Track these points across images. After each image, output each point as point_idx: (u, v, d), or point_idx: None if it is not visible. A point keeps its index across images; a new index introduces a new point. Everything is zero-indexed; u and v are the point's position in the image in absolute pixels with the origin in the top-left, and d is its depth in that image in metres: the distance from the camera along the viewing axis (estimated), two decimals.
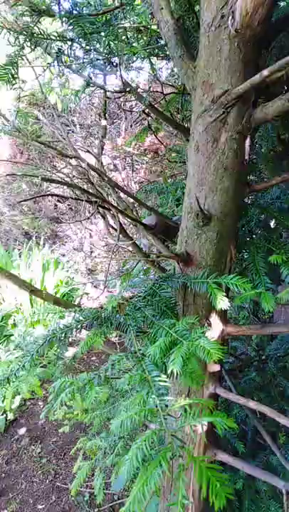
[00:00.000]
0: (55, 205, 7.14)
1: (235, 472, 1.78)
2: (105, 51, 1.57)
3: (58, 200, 7.12)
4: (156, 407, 0.72)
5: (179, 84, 2.64)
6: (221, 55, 1.00)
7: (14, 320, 4.48)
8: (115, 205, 1.59)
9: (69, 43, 1.25)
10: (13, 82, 1.09)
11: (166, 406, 0.72)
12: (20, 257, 4.96)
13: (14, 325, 4.37)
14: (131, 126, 5.63)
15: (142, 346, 0.97)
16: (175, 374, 0.86)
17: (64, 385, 0.88)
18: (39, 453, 3.24)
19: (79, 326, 1.11)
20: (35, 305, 4.71)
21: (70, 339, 1.18)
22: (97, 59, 1.56)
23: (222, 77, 1.02)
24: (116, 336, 4.61)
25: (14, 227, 7.54)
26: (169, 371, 0.78)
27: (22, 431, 3.48)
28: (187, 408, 0.69)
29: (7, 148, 7.40)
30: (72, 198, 1.63)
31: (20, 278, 1.28)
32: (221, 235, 1.19)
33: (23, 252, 5.07)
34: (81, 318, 1.10)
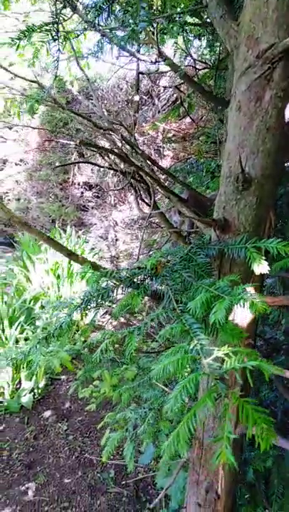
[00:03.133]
0: (82, 193, 7.20)
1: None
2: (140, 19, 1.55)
3: (85, 188, 7.17)
4: (199, 354, 0.71)
5: (212, 61, 2.59)
6: (268, 6, 0.96)
7: (41, 303, 4.57)
8: (148, 178, 1.58)
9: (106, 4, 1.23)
10: (56, 37, 1.09)
11: (210, 354, 0.71)
12: None
13: (42, 307, 4.45)
14: (159, 112, 5.58)
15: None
16: (215, 329, 0.85)
17: (104, 337, 0.89)
18: (65, 430, 3.32)
19: (115, 288, 1.11)
20: (62, 288, 4.78)
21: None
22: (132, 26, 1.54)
23: (268, 30, 0.98)
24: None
25: (41, 214, 7.67)
26: (211, 322, 0.77)
27: (49, 409, 3.56)
28: (231, 354, 0.68)
29: (35, 136, 7.49)
30: (108, 168, 1.62)
31: (58, 242, 1.29)
32: (261, 200, 1.16)
33: (51, 235, 5.15)
34: (117, 279, 1.10)
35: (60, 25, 1.14)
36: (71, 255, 1.23)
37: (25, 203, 7.90)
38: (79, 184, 7.13)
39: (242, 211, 1.18)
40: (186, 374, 0.78)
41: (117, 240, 7.19)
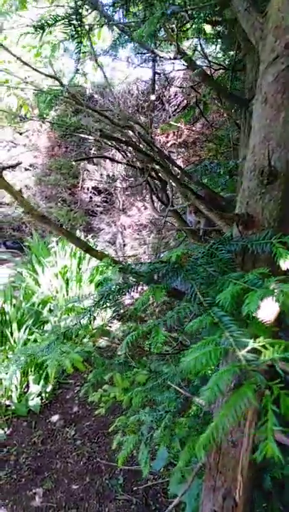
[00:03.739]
0: (90, 198, 7.21)
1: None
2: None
3: (94, 193, 7.18)
4: (232, 346, 0.68)
5: (227, 63, 2.58)
6: None
7: (50, 307, 4.55)
8: (165, 175, 1.55)
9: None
10: (79, 28, 1.08)
11: (244, 346, 0.68)
12: (57, 244, 5.04)
13: (50, 310, 4.43)
14: (169, 117, 5.59)
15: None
16: (244, 323, 0.82)
17: (129, 330, 0.85)
18: (73, 435, 3.27)
19: (136, 283, 1.08)
20: (70, 292, 4.76)
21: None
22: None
23: None
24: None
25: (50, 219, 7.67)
26: (244, 313, 0.73)
27: (56, 414, 3.52)
28: (268, 346, 0.64)
29: (45, 141, 7.54)
30: (126, 164, 1.60)
31: (77, 236, 1.27)
32: (286, 195, 1.13)
33: (61, 239, 5.15)
34: (138, 273, 1.07)
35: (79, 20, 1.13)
36: (90, 250, 1.21)
37: (34, 207, 7.92)
38: (88, 189, 7.14)
39: (266, 206, 1.15)
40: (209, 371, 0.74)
41: (124, 245, 7.17)
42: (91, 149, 7.08)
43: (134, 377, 2.29)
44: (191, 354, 0.69)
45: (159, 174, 1.71)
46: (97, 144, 6.93)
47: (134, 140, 1.61)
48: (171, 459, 1.84)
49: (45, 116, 7.66)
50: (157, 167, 1.63)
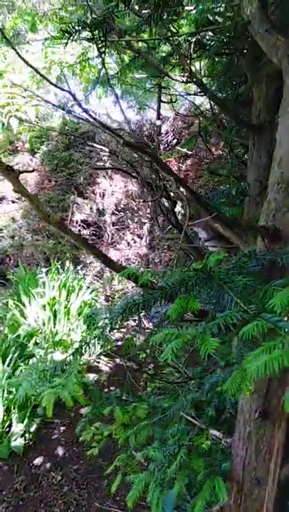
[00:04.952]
0: (79, 231, 7.17)
1: None
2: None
3: (83, 226, 7.15)
4: None
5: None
6: None
7: (35, 340, 4.34)
8: (181, 192, 1.52)
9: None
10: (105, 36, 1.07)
11: None
12: (46, 275, 4.90)
13: (36, 343, 4.22)
14: (160, 155, 5.73)
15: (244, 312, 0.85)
16: None
17: (169, 337, 0.77)
18: (59, 480, 2.99)
19: (163, 295, 1.00)
20: (58, 325, 4.58)
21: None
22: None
23: None
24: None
25: (36, 251, 7.55)
26: None
27: (41, 456, 3.24)
28: None
29: (35, 175, 7.57)
30: (140, 180, 1.57)
31: (94, 246, 1.19)
32: None
33: (50, 270, 5.02)
34: (166, 284, 1.00)
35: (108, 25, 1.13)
36: (109, 262, 1.14)
37: (19, 240, 7.80)
38: (76, 222, 7.11)
39: None
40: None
41: (112, 279, 7.07)
42: (81, 183, 7.14)
43: (133, 412, 2.13)
44: (255, 360, 0.61)
45: (170, 194, 1.68)
46: (86, 176, 7.01)
47: (146, 160, 1.59)
48: (180, 502, 1.66)
49: (36, 150, 7.76)
50: (168, 186, 1.60)
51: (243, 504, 1.31)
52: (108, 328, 1.00)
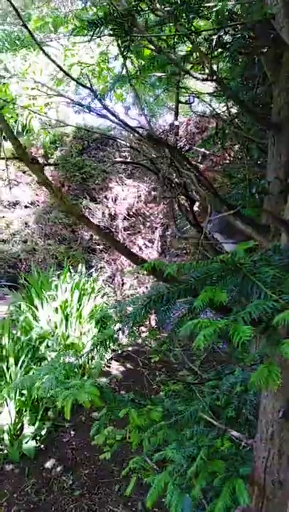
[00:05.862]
0: (91, 236, 7.19)
1: None
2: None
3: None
4: None
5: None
6: None
7: (47, 343, 4.33)
8: (202, 189, 1.51)
9: None
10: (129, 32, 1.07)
11: None
12: (59, 278, 4.91)
13: (47, 346, 4.21)
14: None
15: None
16: None
17: (200, 325, 0.74)
18: (71, 484, 2.95)
19: (190, 287, 0.98)
20: (70, 328, 4.57)
21: None
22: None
23: None
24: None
25: (48, 256, 7.59)
26: None
27: (52, 460, 3.21)
28: None
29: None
30: (160, 177, 1.56)
31: (117, 240, 1.19)
32: None
33: (63, 273, 5.03)
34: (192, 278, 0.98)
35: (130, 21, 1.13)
36: (129, 255, 1.12)
37: (32, 244, 7.85)
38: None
39: None
40: None
41: (123, 283, 7.06)
42: (94, 188, 7.17)
43: (147, 415, 2.09)
44: None
45: (189, 192, 1.67)
46: (99, 181, 7.05)
47: (166, 156, 1.59)
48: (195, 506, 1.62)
49: (49, 156, 7.83)
50: (188, 182, 1.59)
51: (265, 508, 1.27)
52: (131, 323, 0.98)
